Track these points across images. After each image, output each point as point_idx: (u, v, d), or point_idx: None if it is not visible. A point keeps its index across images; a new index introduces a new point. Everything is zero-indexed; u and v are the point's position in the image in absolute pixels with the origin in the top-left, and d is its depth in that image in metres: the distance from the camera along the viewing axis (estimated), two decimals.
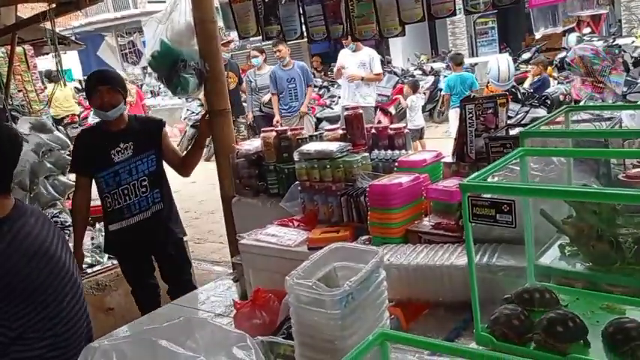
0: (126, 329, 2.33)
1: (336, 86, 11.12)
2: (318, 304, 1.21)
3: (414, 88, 8.86)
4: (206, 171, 5.18)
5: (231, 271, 3.19)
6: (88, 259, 3.48)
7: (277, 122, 7.59)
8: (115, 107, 3.18)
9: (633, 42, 9.68)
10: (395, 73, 11.97)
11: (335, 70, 7.93)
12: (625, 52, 8.30)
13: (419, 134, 8.32)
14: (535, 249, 1.51)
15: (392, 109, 9.56)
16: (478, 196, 1.17)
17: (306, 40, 3.42)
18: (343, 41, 6.57)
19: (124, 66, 22.00)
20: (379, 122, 8.03)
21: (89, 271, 3.34)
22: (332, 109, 10.60)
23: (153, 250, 3.42)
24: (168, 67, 3.36)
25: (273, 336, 1.62)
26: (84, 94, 15.70)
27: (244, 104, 8.78)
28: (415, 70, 13.19)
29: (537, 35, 9.18)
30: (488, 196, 1.21)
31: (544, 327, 1.14)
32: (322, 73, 14.57)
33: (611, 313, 1.22)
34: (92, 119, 12.13)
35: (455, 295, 1.76)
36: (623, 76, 6.88)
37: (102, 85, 3.16)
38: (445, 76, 11.07)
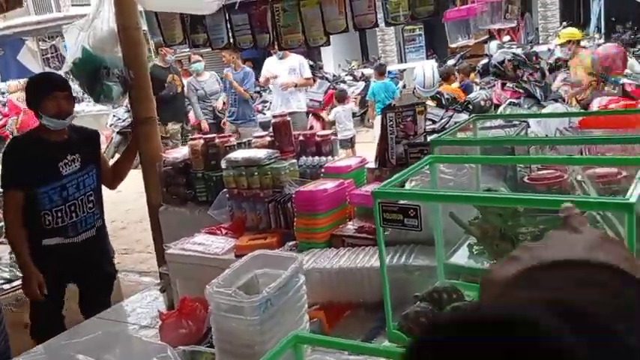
0: (45, 346, 2.27)
1: (267, 91, 11.14)
2: (237, 311, 1.24)
3: (340, 98, 8.84)
4: (133, 179, 5.07)
5: (159, 281, 3.15)
6: (6, 274, 3.32)
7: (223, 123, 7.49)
8: (70, 115, 2.98)
9: (549, 49, 10.25)
10: (326, 79, 12.13)
11: (262, 79, 7.86)
12: (542, 58, 8.79)
13: (349, 144, 8.35)
14: (446, 249, 1.61)
15: (324, 115, 9.69)
16: (388, 202, 1.24)
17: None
18: (270, 50, 6.61)
19: (46, 71, 21.09)
20: (312, 127, 8.14)
21: (6, 287, 3.18)
22: (264, 114, 10.60)
23: (90, 271, 3.15)
24: (91, 74, 3.29)
25: (198, 345, 1.64)
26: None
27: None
28: (346, 75, 13.40)
29: (452, 45, 9.69)
30: (403, 202, 1.29)
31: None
32: None
33: None
34: (9, 127, 11.59)
35: (374, 295, 1.83)
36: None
37: (61, 91, 2.91)
38: (375, 81, 11.54)
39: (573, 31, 7.72)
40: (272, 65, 7.39)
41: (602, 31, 12.84)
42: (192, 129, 8.23)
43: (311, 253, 2.04)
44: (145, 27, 3.52)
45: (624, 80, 6.52)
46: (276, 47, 3.43)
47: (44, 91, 2.92)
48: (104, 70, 3.24)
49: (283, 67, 7.25)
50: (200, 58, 8.10)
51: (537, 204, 1.20)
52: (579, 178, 1.56)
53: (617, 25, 9.98)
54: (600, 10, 13.77)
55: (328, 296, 1.85)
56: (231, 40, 3.30)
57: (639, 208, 0.95)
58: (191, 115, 8.52)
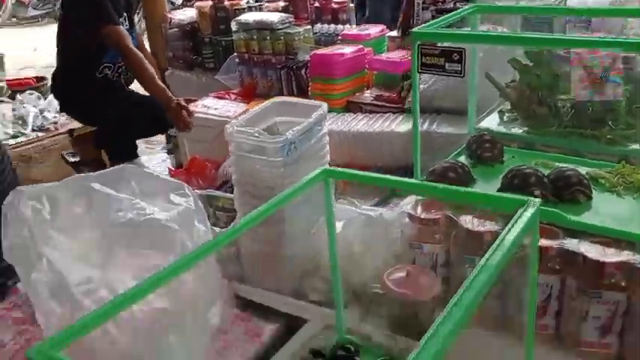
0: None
1: None
2: (260, 152, 1.17)
3: None
4: None
5: (165, 144, 3.09)
6: (9, 130, 3.23)
7: None
8: None
9: None
10: None
11: None
12: None
13: None
14: (476, 116, 1.52)
15: None
16: (429, 45, 1.14)
17: None
18: None
19: None
20: None
21: (12, 142, 3.09)
22: None
23: None
24: None
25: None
26: None
27: None
28: None
29: None
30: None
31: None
32: None
33: (546, 168, 1.26)
34: None
35: (394, 160, 1.78)
36: None
37: None
38: None
39: None
40: None
41: None
42: None
43: (329, 116, 1.96)
44: None
45: None
46: None
47: None
48: None
49: None
50: None
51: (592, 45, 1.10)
52: None
53: None
54: None
55: (346, 159, 1.79)
56: None
57: None
58: None
